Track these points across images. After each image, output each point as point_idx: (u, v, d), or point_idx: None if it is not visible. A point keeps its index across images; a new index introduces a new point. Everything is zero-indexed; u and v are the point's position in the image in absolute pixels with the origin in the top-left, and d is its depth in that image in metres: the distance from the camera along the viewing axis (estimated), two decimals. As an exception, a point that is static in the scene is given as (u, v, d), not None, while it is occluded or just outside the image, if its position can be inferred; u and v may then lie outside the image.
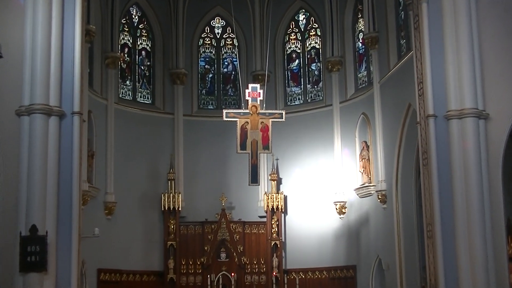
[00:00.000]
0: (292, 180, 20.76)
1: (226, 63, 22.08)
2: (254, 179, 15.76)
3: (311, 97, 21.41)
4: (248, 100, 15.86)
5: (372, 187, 18.40)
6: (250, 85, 16.18)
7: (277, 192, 20.27)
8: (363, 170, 18.86)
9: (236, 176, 20.23)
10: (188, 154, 20.64)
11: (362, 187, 18.87)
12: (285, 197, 20.49)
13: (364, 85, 19.80)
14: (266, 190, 20.45)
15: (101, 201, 18.55)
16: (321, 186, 20.32)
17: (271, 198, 20.04)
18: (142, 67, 21.01)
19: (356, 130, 19.39)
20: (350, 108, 19.82)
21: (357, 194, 19.14)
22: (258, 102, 15.74)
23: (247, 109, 15.70)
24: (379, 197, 17.83)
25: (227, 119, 15.81)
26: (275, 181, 20.41)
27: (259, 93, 15.83)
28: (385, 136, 17.84)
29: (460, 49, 13.24)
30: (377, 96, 18.14)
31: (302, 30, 21.66)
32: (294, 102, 21.55)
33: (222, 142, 20.58)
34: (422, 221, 13.73)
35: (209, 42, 21.92)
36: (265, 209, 20.08)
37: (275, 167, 20.55)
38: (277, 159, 20.59)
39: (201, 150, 20.89)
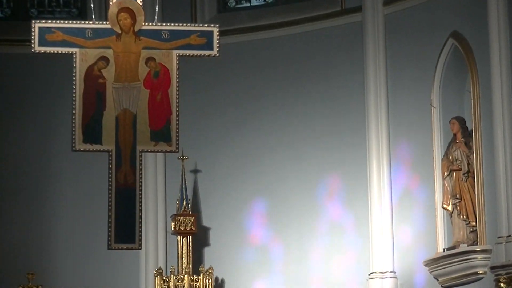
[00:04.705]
0: (239, 230, 21.67)
1: None
2: (126, 230, 15.23)
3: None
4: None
5: (480, 254, 18.80)
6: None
7: (197, 273, 20.92)
8: (456, 203, 19.30)
9: (74, 222, 21.45)
10: None
11: (453, 256, 19.33)
12: (219, 284, 21.11)
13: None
14: (160, 265, 21.33)
15: None
16: (333, 254, 21.22)
17: (178, 282, 20.10)
18: None
19: (434, 85, 19.06)
20: (414, 21, 20.96)
21: (431, 272, 19.82)
22: (140, 0, 15.64)
23: (108, 21, 15.33)
24: (501, 281, 18.24)
25: (42, 48, 15.11)
26: (191, 237, 21.02)
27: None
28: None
29: None
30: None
31: None
32: (249, 1, 22.98)
33: (32, 123, 22.14)
34: None
35: None
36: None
37: (189, 196, 21.38)
38: (195, 171, 21.16)
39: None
